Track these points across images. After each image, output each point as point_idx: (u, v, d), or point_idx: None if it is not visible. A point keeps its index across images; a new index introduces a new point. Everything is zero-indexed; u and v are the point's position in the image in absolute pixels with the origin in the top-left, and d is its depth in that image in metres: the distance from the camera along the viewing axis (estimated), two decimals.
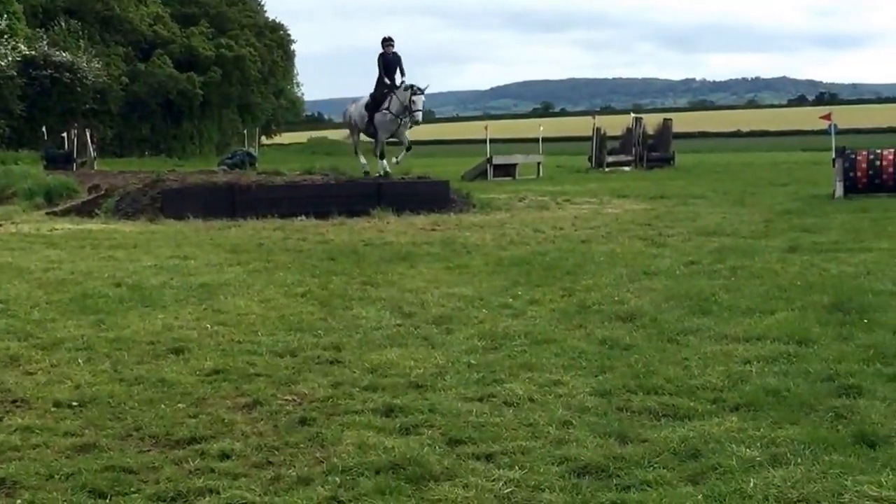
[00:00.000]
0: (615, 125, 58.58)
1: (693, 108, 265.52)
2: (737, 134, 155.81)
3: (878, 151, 28.33)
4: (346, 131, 33.98)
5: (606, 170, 48.72)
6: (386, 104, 28.44)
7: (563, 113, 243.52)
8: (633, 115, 57.06)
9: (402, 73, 29.03)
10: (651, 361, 9.22)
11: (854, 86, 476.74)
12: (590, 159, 52.26)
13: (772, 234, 19.05)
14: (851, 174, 27.64)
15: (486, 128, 49.81)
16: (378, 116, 28.66)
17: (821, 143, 56.74)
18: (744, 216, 22.72)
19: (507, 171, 43.99)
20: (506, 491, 6.28)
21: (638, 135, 51.87)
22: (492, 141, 47.82)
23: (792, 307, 11.44)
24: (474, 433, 7.37)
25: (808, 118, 74.45)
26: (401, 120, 28.39)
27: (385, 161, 28.74)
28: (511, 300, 12.53)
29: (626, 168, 49.39)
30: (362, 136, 31.06)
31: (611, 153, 51.66)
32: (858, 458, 6.53)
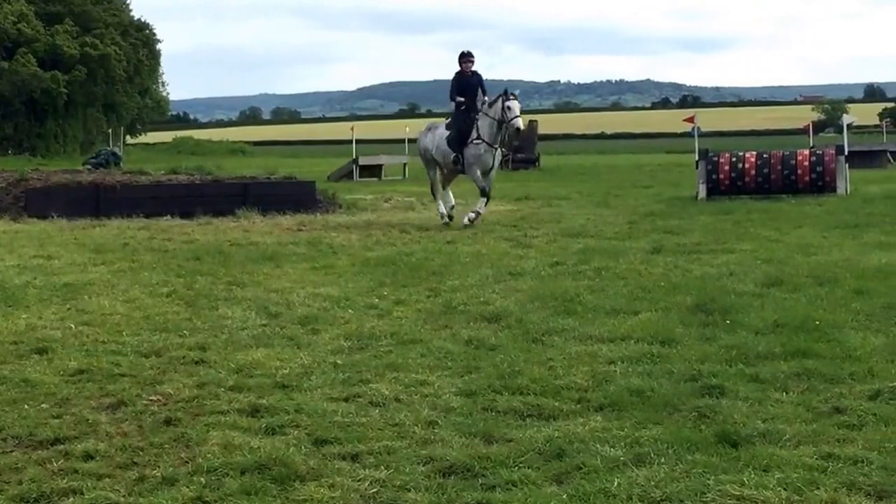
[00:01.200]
0: None
1: (558, 109, 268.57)
2: (601, 136, 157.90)
3: (741, 154, 28.89)
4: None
5: None
6: (475, 133, 22.59)
7: (429, 114, 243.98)
8: None
9: (485, 95, 23.21)
10: (516, 362, 9.26)
11: (717, 89, 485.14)
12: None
13: (636, 235, 19.27)
14: (714, 176, 28.13)
15: (352, 128, 49.74)
16: (470, 151, 22.65)
17: (684, 145, 57.66)
18: (608, 218, 22.97)
19: (373, 171, 44.04)
20: (371, 491, 6.26)
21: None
22: (358, 142, 47.87)
23: (656, 308, 11.58)
24: (340, 433, 7.34)
25: (672, 120, 75.60)
26: (495, 149, 22.71)
27: (483, 202, 22.79)
28: (377, 300, 12.51)
29: None
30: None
31: None
32: (721, 457, 6.62)
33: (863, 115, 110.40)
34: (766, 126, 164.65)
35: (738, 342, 9.65)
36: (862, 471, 6.30)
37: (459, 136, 22.88)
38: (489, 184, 22.84)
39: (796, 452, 6.67)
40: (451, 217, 22.98)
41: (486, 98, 22.99)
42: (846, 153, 29.12)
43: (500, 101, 22.28)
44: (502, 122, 22.19)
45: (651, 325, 10.52)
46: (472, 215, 22.24)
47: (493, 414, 7.80)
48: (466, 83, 23.41)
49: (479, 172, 22.66)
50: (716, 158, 28.51)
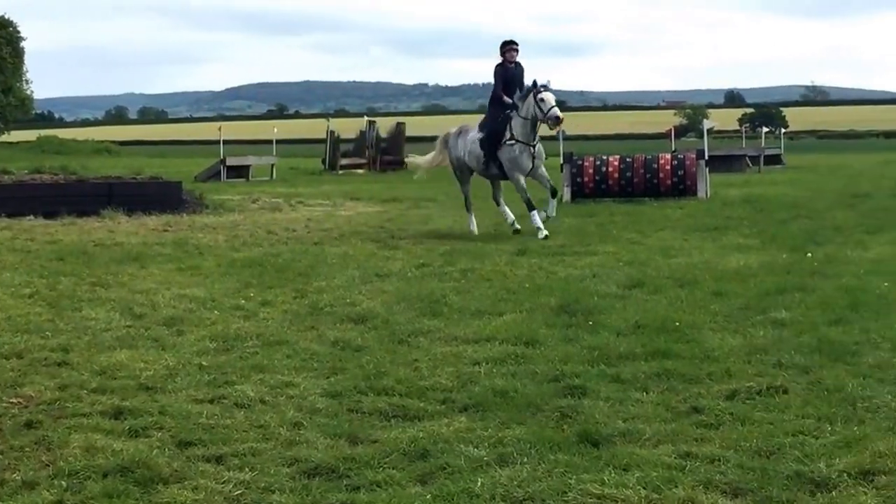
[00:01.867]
0: (349, 128, 58.73)
1: (426, 112, 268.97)
2: None
3: (605, 157, 29.25)
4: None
5: (340, 172, 48.90)
6: (507, 133, 20.18)
7: (297, 115, 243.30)
8: (366, 118, 57.45)
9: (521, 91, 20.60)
10: (382, 363, 9.27)
11: (582, 93, 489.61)
12: (323, 161, 52.37)
13: (501, 238, 19.38)
14: (579, 179, 28.45)
15: (219, 129, 49.31)
16: (504, 154, 20.22)
17: (550, 148, 58.12)
18: (477, 220, 23.05)
19: (240, 172, 43.75)
20: (235, 493, 6.22)
21: (371, 138, 52.17)
22: (226, 142, 47.40)
23: (520, 309, 11.67)
24: (204, 435, 7.29)
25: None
26: (532, 147, 20.19)
27: (533, 214, 20.14)
28: (243, 301, 12.43)
29: (360, 171, 49.61)
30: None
31: (344, 156, 51.88)
32: (582, 456, 6.69)
33: (724, 120, 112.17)
34: (629, 130, 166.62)
35: (601, 343, 9.77)
36: (719, 469, 6.42)
37: (491, 137, 20.43)
38: (544, 181, 20.58)
39: (655, 451, 6.77)
40: (516, 230, 20.37)
41: (527, 86, 20.40)
42: (706, 158, 29.60)
43: (530, 96, 19.98)
44: (536, 120, 20.00)
45: (515, 327, 10.60)
46: (542, 216, 20.02)
47: (359, 415, 7.80)
48: (511, 77, 20.82)
49: (521, 178, 20.26)
50: (580, 162, 28.84)
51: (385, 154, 52.05)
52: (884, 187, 33.71)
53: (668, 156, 29.99)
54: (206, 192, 29.85)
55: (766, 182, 39.49)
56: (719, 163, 42.66)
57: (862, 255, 15.84)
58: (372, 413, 7.82)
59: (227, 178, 42.11)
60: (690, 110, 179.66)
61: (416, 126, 63.03)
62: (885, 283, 12.69)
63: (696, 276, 13.66)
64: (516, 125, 20.11)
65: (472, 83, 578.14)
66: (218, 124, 56.37)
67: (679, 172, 28.51)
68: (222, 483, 6.36)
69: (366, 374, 8.87)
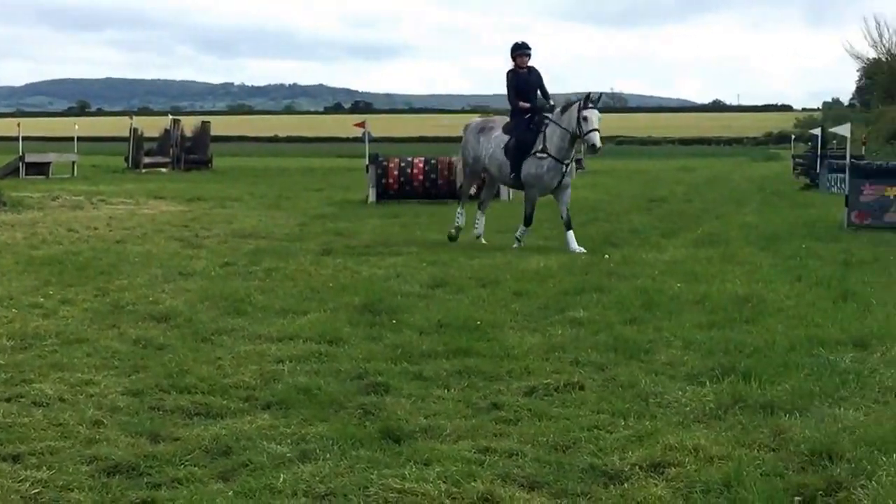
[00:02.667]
0: (153, 126, 57.87)
1: (232, 112, 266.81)
2: (275, 139, 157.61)
3: (410, 159, 29.43)
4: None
5: (143, 171, 48.23)
6: (539, 144, 18.17)
7: (99, 112, 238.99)
8: (170, 116, 56.78)
9: (547, 98, 18.95)
10: (185, 361, 9.18)
11: (388, 95, 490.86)
12: (126, 160, 51.54)
13: (306, 237, 19.38)
14: (384, 180, 28.54)
15: (18, 125, 48.21)
16: (530, 165, 18.28)
17: (356, 149, 58.11)
18: (279, 220, 23.01)
19: (40, 169, 42.76)
20: (33, 491, 6.10)
21: (176, 137, 51.56)
22: (25, 139, 46.32)
23: (324, 308, 11.68)
24: (1, 434, 7.13)
25: (344, 125, 76.12)
26: (564, 165, 18.20)
27: (523, 229, 18.78)
28: (42, 300, 12.17)
29: (164, 169, 49.01)
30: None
31: (148, 154, 51.14)
32: (384, 452, 6.74)
33: None
34: (435, 133, 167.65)
35: (403, 341, 9.84)
36: (517, 463, 6.53)
37: (519, 146, 18.43)
38: (564, 210, 18.34)
39: (455, 447, 6.86)
40: (453, 237, 19.17)
41: (551, 102, 18.69)
42: None
43: (575, 108, 17.87)
44: (576, 136, 17.86)
45: (319, 325, 10.61)
46: (518, 238, 18.57)
47: (161, 413, 7.72)
48: (524, 82, 18.86)
49: (537, 196, 18.61)
50: (385, 163, 28.94)
51: (189, 153, 51.52)
52: (678, 192, 34.72)
53: None
54: (5, 188, 29.08)
55: None
56: None
57: (657, 256, 16.27)
58: (174, 411, 7.75)
59: (27, 175, 41.13)
60: (494, 114, 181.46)
61: (221, 126, 62.62)
62: (678, 284, 13.07)
63: (498, 277, 13.85)
64: (552, 137, 18.08)
65: (278, 83, 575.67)
66: (17, 120, 55.07)
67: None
68: (19, 482, 6.23)
69: (168, 373, 8.78)
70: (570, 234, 17.98)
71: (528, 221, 18.52)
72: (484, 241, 18.93)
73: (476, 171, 19.86)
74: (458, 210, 19.56)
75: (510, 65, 18.95)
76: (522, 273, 14.25)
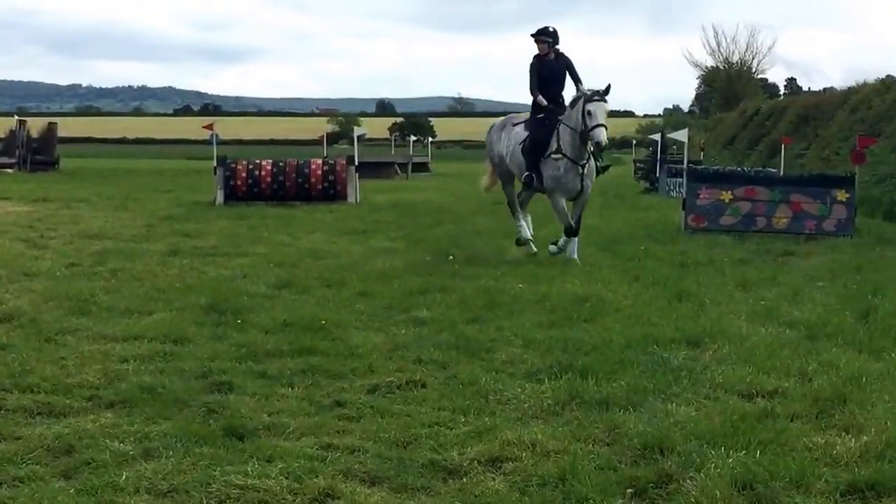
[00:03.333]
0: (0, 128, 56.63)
1: (80, 113, 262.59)
2: (123, 140, 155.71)
3: (258, 162, 29.24)
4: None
5: None
6: (554, 144, 16.31)
7: None
8: (16, 117, 55.63)
9: (578, 85, 16.46)
10: (28, 361, 9.03)
11: (237, 98, 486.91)
12: (528, 179, 50.25)
13: (153, 238, 19.14)
14: (232, 182, 28.32)
15: None
16: (547, 169, 16.46)
17: (205, 152, 57.58)
18: (127, 220, 22.65)
19: None
20: None
21: (22, 137, 50.50)
22: None
23: (170, 308, 11.58)
24: None
25: (193, 128, 75.40)
26: (583, 168, 16.27)
27: (564, 240, 16.59)
28: None
29: (10, 170, 47.88)
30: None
31: None
32: (227, 450, 6.74)
33: (375, 128, 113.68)
34: (284, 136, 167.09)
35: (249, 340, 9.81)
36: (358, 459, 6.59)
37: (534, 146, 16.64)
38: (577, 213, 16.70)
39: (298, 443, 6.89)
40: (526, 240, 17.51)
41: (582, 89, 16.17)
42: (356, 164, 29.98)
43: (579, 103, 15.95)
44: (584, 133, 15.89)
45: (164, 325, 10.52)
46: (554, 249, 16.63)
47: (2, 412, 7.61)
48: (549, 72, 16.66)
49: (562, 201, 16.57)
50: (233, 165, 28.73)
51: (36, 154, 50.48)
52: None
53: (320, 161, 30.20)
54: None
55: (413, 188, 40.37)
56: (368, 169, 43.20)
57: (500, 258, 16.44)
58: (16, 410, 7.64)
59: None
60: (343, 118, 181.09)
61: (68, 127, 61.56)
62: (520, 285, 13.24)
63: (344, 277, 13.86)
64: (564, 136, 16.21)
65: (127, 85, 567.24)
66: None
67: (330, 178, 28.81)
68: None
69: (10, 373, 8.63)
70: (574, 241, 16.36)
71: (569, 232, 16.37)
72: (534, 249, 17.24)
73: (506, 171, 17.73)
74: (518, 223, 17.55)
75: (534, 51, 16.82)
76: (368, 274, 14.28)
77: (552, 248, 16.53)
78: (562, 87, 16.76)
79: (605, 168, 17.30)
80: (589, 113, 15.60)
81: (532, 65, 16.73)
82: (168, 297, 12.32)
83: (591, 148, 16.16)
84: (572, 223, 16.36)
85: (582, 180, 16.24)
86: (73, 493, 5.99)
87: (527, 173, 16.78)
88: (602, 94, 15.64)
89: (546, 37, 16.54)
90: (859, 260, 16.23)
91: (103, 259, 15.72)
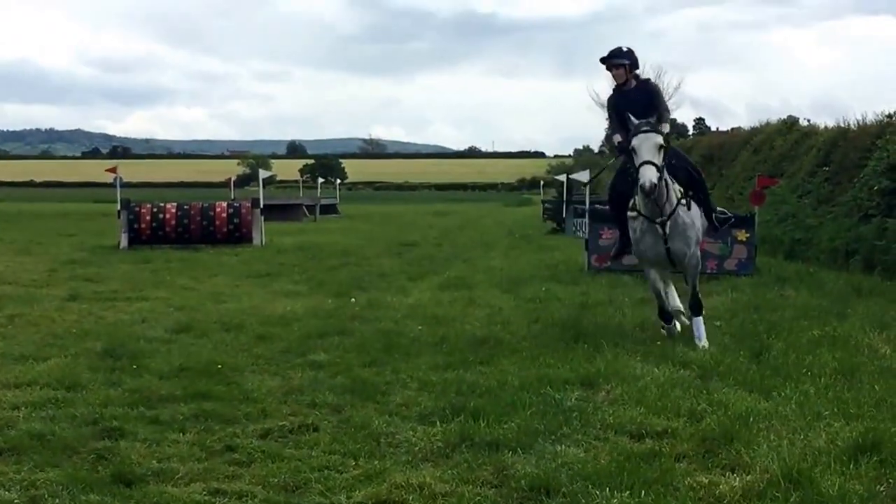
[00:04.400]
0: None
1: None
2: (30, 184, 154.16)
3: (162, 205, 29.13)
4: None
5: None
6: (633, 199, 12.57)
7: None
8: None
9: (661, 121, 12.31)
10: None
11: (147, 141, 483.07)
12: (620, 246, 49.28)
13: (54, 283, 18.95)
14: (136, 226, 28.15)
15: None
16: (629, 227, 12.82)
17: (112, 194, 57.18)
18: (28, 265, 22.41)
19: None
20: None
21: None
22: None
23: (66, 354, 11.47)
24: None
25: (100, 170, 74.86)
26: (664, 226, 12.26)
27: (675, 304, 13.11)
28: None
29: None
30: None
31: None
32: (114, 497, 6.73)
33: (286, 170, 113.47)
34: (193, 178, 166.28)
35: (142, 386, 9.75)
36: None
37: (612, 198, 13.34)
38: (690, 285, 12.61)
39: (187, 489, 6.88)
40: (674, 312, 13.08)
41: (636, 121, 12.09)
42: (262, 206, 29.93)
43: (632, 138, 12.05)
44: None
45: (58, 371, 10.42)
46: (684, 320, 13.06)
47: None
48: (629, 104, 12.47)
49: (651, 273, 12.81)
50: (137, 208, 28.57)
51: None
52: (430, 237, 35.14)
53: (225, 204, 30.14)
54: None
55: (320, 230, 40.27)
56: (277, 211, 43.18)
57: (402, 300, 16.44)
58: None
59: None
60: (253, 160, 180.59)
61: None
62: (420, 327, 13.27)
63: (243, 321, 13.83)
64: (637, 188, 12.22)
65: (34, 128, 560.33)
66: None
67: (235, 220, 28.75)
68: None
69: None
70: (698, 320, 12.47)
71: (662, 314, 13.07)
72: (686, 320, 13.01)
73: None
74: (668, 298, 13.10)
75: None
76: (268, 317, 14.25)
77: (682, 319, 13.05)
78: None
79: (726, 220, 13.56)
80: (634, 150, 11.97)
81: (609, 99, 13.18)
82: (64, 343, 12.21)
83: (677, 196, 12.24)
84: (670, 303, 12.94)
85: (666, 242, 12.27)
86: None
87: (617, 242, 13.63)
88: (650, 125, 11.93)
89: (620, 59, 12.62)
90: (758, 299, 16.39)
91: (1, 305, 15.54)
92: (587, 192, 27.80)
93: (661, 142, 11.82)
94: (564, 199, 42.08)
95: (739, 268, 20.93)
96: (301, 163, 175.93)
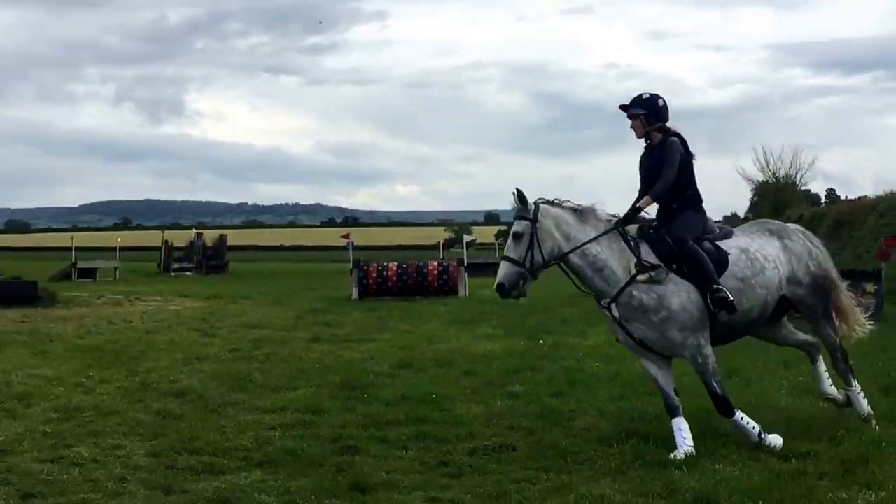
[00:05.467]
0: (181, 238, 57.81)
1: (245, 226, 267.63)
2: (280, 248, 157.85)
3: (385, 264, 29.52)
4: None
5: (172, 274, 47.95)
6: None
7: (139, 227, 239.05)
8: (195, 230, 56.83)
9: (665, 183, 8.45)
10: (195, 429, 9.16)
11: (372, 212, 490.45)
12: (159, 265, 51.35)
13: (300, 327, 19.31)
14: (365, 281, 28.57)
15: (72, 238, 48.18)
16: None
17: (344, 256, 58.28)
18: (280, 313, 22.89)
19: (89, 273, 42.54)
20: None
21: (198, 246, 51.55)
22: (77, 249, 46.16)
23: (311, 385, 11.66)
24: (44, 489, 7.14)
25: (336, 236, 76.37)
26: (608, 308, 8.27)
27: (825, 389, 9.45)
28: (84, 379, 12.11)
29: (189, 273, 48.75)
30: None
31: (177, 261, 50.95)
32: (352, 502, 6.82)
33: (484, 235, 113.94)
34: (409, 242, 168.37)
35: (373, 412, 9.84)
36: None
37: None
38: (700, 378, 8.63)
39: (410, 496, 6.93)
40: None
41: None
42: (466, 265, 30.13)
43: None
44: None
45: (306, 399, 10.59)
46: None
47: (174, 471, 7.72)
48: (650, 163, 8.67)
49: (643, 364, 8.71)
50: (366, 267, 29.04)
51: (210, 260, 51.37)
52: None
53: (435, 263, 30.43)
54: (60, 289, 28.93)
55: None
56: (476, 269, 43.31)
57: (582, 342, 16.30)
58: (185, 469, 7.75)
59: (78, 278, 40.88)
60: (457, 227, 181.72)
61: (236, 237, 62.46)
62: (597, 364, 13.13)
63: (453, 359, 13.88)
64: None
65: (283, 203, 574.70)
66: (71, 234, 55.04)
67: (444, 276, 28.98)
68: None
69: (181, 438, 8.76)
70: (735, 422, 8.40)
71: (667, 409, 8.52)
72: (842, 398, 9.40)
73: None
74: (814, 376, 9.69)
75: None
76: (472, 356, 14.27)
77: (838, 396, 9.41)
78: (675, 187, 8.50)
79: (723, 300, 8.14)
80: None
81: (640, 158, 8.90)
82: (309, 376, 12.42)
83: (631, 272, 8.17)
84: (821, 388, 9.43)
85: (622, 326, 8.30)
86: None
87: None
88: (521, 212, 8.49)
89: (635, 109, 8.63)
90: (885, 342, 15.79)
91: (259, 345, 15.92)
92: None
93: (521, 230, 8.28)
94: None
95: (868, 314, 20.19)
96: (496, 228, 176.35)
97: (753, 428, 8.15)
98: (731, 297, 8.00)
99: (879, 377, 11.98)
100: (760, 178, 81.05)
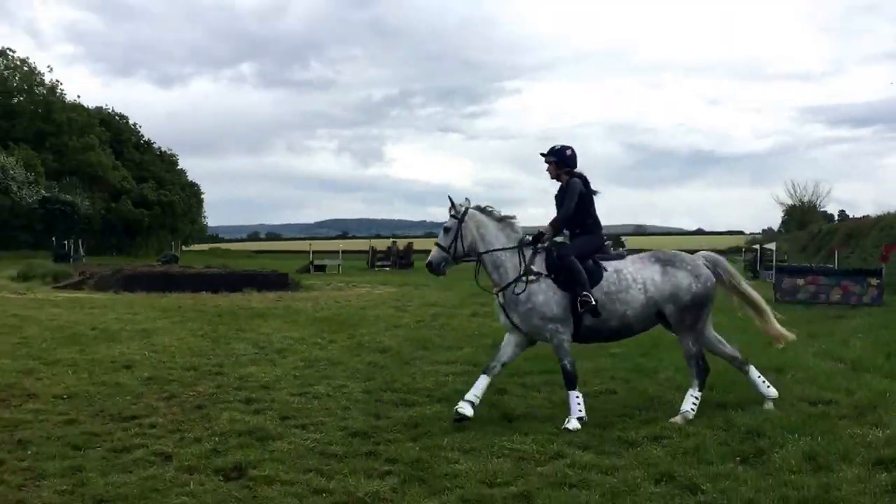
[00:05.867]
0: (382, 245, 58.46)
1: (425, 236, 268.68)
2: None
3: None
4: None
5: (376, 269, 48.65)
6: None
7: (354, 237, 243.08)
8: (392, 239, 57.60)
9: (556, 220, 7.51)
10: (394, 374, 9.25)
11: None
12: (367, 263, 52.22)
13: (464, 305, 19.14)
14: None
15: (310, 245, 49.48)
16: None
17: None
18: (449, 296, 22.79)
19: (322, 269, 43.55)
20: (311, 445, 6.25)
21: (394, 250, 52.28)
22: (314, 252, 47.31)
23: (472, 345, 11.65)
24: (296, 413, 7.31)
25: None
26: (499, 298, 7.50)
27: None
28: (319, 340, 12.34)
29: (387, 269, 49.38)
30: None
31: (379, 261, 51.68)
32: (502, 426, 6.72)
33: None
34: None
35: (514, 365, 9.18)
36: (577, 436, 6.48)
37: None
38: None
39: (543, 425, 6.82)
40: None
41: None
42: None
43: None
44: None
45: (469, 355, 10.58)
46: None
47: (380, 403, 7.80)
48: (558, 196, 7.63)
49: (506, 338, 7.55)
50: None
51: (401, 259, 51.96)
52: None
53: None
54: (302, 279, 29.64)
55: None
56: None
57: None
58: (388, 402, 7.83)
59: (314, 271, 41.89)
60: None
61: (418, 244, 62.93)
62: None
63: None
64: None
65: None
66: (309, 243, 56.54)
67: None
68: (304, 440, 6.39)
69: (385, 381, 8.87)
70: (569, 394, 7.12)
71: (567, 381, 7.25)
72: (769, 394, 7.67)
73: None
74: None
75: None
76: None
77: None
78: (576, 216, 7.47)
79: (586, 303, 7.14)
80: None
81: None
82: (470, 339, 12.40)
83: (518, 272, 7.37)
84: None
85: (504, 310, 7.48)
86: (417, 450, 6.09)
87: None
88: (454, 216, 7.65)
89: (548, 156, 7.67)
90: (886, 320, 14.99)
91: (436, 318, 15.96)
92: (773, 255, 26.14)
93: (450, 225, 7.57)
94: (757, 258, 39.81)
95: (873, 301, 19.24)
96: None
97: (580, 409, 6.95)
98: (595, 302, 7.03)
99: (883, 345, 11.32)
100: (790, 202, 78.24)
